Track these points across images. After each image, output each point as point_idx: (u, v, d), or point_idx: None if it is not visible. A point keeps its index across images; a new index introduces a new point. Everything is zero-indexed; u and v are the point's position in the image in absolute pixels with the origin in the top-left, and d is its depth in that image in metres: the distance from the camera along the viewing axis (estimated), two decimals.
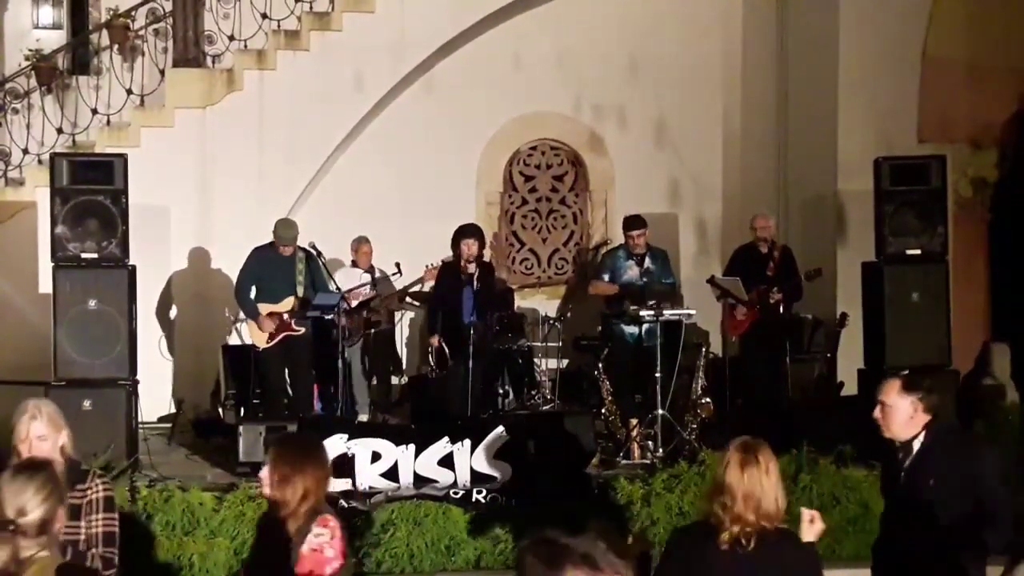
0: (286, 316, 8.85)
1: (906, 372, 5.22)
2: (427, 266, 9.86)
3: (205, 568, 6.74)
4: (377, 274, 10.24)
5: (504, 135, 12.09)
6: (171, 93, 10.89)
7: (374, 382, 10.45)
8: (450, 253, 9.23)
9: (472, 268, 8.88)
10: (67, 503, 4.00)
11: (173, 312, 10.70)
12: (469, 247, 8.91)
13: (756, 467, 3.88)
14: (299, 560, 3.84)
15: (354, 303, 9.58)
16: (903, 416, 4.66)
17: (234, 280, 9.28)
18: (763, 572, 3.88)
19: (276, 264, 8.95)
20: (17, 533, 3.22)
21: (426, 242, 10.03)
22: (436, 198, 11.36)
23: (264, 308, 8.90)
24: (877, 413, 4.72)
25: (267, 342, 8.87)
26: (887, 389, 4.71)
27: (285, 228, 8.99)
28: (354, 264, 10.32)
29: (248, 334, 9.29)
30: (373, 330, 10.22)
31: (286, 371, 9.04)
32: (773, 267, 9.47)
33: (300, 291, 8.91)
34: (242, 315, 9.40)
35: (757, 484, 3.86)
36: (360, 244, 10.35)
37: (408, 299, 10.59)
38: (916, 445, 4.68)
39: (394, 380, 10.78)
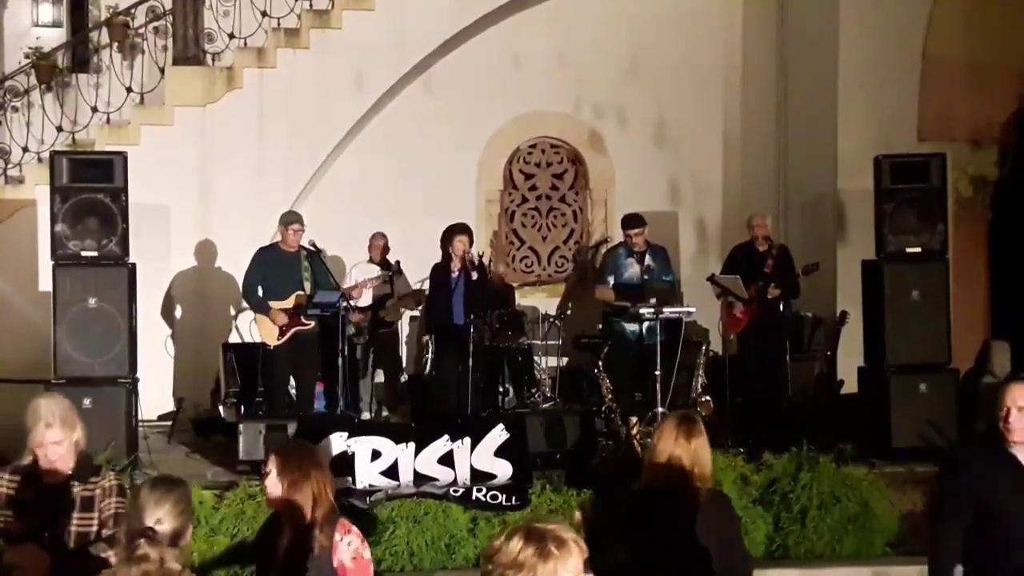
0: (293, 313, 8.86)
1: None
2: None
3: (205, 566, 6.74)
4: (393, 269, 10.24)
5: (504, 133, 12.08)
6: (171, 91, 10.88)
7: (378, 379, 10.43)
8: None
9: (463, 263, 8.89)
10: (81, 495, 4.21)
11: (173, 310, 10.69)
12: (463, 244, 8.93)
13: (701, 437, 4.31)
14: (344, 572, 3.97)
15: (355, 300, 9.54)
16: None
17: (235, 278, 9.31)
18: (709, 527, 4.26)
19: (281, 263, 8.97)
20: (155, 541, 3.24)
21: (426, 240, 9.99)
22: (436, 196, 11.36)
23: (272, 306, 8.90)
24: (1013, 418, 4.47)
25: (278, 339, 8.85)
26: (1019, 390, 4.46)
27: (290, 213, 9.12)
28: (371, 260, 10.34)
29: (258, 333, 9.25)
30: (388, 329, 10.22)
31: (291, 369, 9.04)
32: (771, 265, 9.47)
33: (307, 287, 8.92)
34: (244, 306, 9.38)
35: (704, 451, 4.31)
36: (373, 239, 10.42)
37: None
38: None
39: (403, 378, 10.77)
